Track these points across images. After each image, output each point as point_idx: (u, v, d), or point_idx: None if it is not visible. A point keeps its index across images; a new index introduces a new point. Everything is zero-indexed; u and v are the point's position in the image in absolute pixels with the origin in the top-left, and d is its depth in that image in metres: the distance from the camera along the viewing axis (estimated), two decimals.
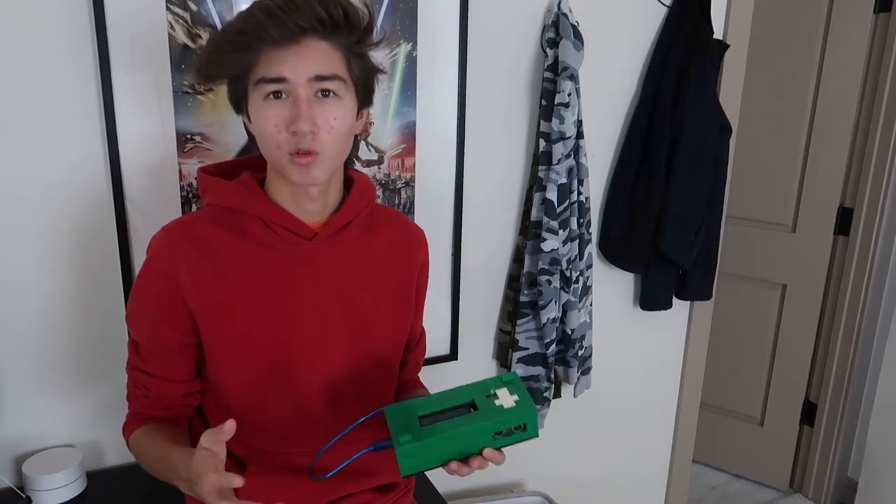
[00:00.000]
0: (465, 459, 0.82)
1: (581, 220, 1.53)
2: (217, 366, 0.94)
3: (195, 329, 0.92)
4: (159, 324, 0.92)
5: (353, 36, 0.85)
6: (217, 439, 0.76)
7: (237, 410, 0.95)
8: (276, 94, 0.83)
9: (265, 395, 0.95)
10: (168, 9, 1.16)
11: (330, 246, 0.95)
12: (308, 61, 0.82)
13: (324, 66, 0.83)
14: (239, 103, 0.89)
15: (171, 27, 1.17)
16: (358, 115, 0.91)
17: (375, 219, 1.02)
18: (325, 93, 0.84)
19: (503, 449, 0.84)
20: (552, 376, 1.58)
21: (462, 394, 0.86)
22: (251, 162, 1.00)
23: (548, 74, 1.45)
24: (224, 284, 0.91)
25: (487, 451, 0.82)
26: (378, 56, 1.31)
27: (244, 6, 1.19)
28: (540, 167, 1.47)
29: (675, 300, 1.76)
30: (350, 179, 0.99)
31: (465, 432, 0.81)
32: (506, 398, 0.84)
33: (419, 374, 1.19)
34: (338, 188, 0.96)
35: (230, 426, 0.76)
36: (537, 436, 0.84)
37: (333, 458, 0.89)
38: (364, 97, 0.91)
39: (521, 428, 0.83)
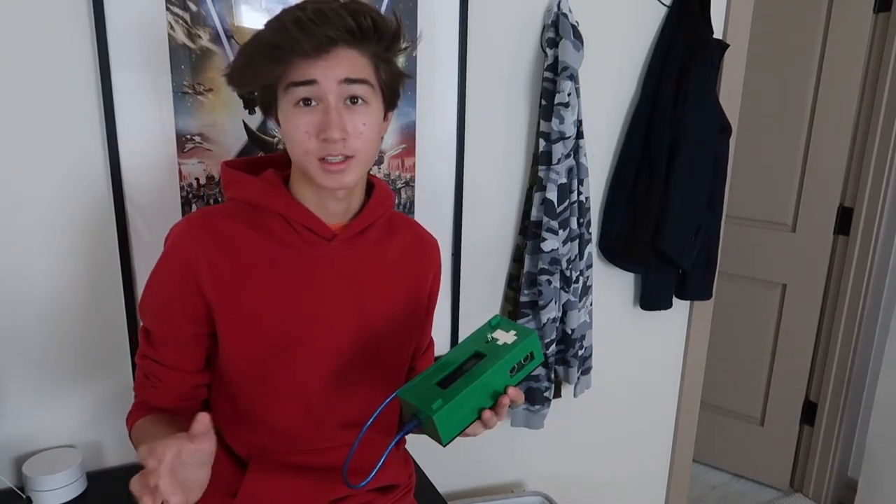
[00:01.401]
0: (492, 406, 0.85)
1: (581, 220, 1.53)
2: (227, 356, 0.94)
3: (210, 319, 0.93)
4: (176, 313, 0.92)
5: (381, 44, 0.87)
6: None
7: (243, 404, 0.96)
8: (307, 102, 0.84)
9: (272, 390, 0.95)
10: (168, 9, 1.16)
11: (347, 248, 0.96)
12: (337, 68, 0.84)
13: (353, 70, 0.85)
14: (269, 108, 0.91)
15: (171, 27, 1.17)
16: (384, 118, 0.93)
17: (393, 226, 1.03)
18: (354, 100, 0.86)
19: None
20: (552, 376, 1.58)
21: (463, 350, 0.88)
22: (276, 159, 1.01)
23: (548, 74, 1.45)
24: (241, 277, 0.91)
25: (511, 390, 0.85)
26: None
27: (244, 7, 1.20)
28: (540, 167, 1.47)
29: (675, 300, 1.76)
30: (370, 185, 1.01)
31: (487, 378, 0.83)
32: (505, 336, 0.87)
33: None
34: (360, 192, 0.98)
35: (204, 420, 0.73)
36: (543, 360, 0.89)
37: (355, 459, 0.89)
38: (390, 101, 0.93)
39: (530, 357, 0.87)
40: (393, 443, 0.83)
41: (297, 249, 0.93)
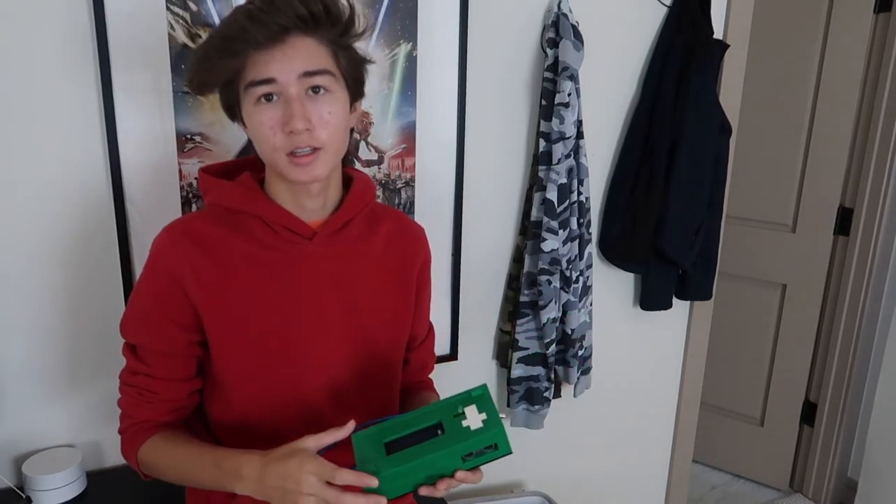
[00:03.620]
0: (434, 483, 0.81)
1: (581, 220, 1.53)
2: (220, 364, 0.94)
3: (200, 327, 0.93)
4: (166, 324, 0.92)
5: (336, 29, 0.86)
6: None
7: (238, 409, 0.96)
8: (268, 97, 0.83)
9: (267, 395, 0.95)
10: (168, 9, 1.16)
11: (330, 245, 0.95)
12: (295, 59, 0.82)
13: (311, 61, 0.84)
14: (232, 110, 0.90)
15: (171, 27, 1.17)
16: (351, 108, 0.92)
17: (376, 217, 1.02)
18: (316, 89, 0.85)
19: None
20: (552, 376, 1.58)
21: (430, 414, 0.83)
22: (252, 162, 1.00)
23: (548, 74, 1.45)
24: (226, 282, 0.91)
25: (459, 474, 0.81)
26: (377, 55, 1.31)
27: None
28: (540, 167, 1.47)
29: (675, 300, 1.76)
30: (349, 178, 1.00)
31: (432, 459, 0.79)
32: (473, 418, 0.82)
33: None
34: (337, 186, 0.97)
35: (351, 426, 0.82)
36: (510, 452, 0.82)
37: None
38: (355, 90, 0.92)
39: (492, 447, 0.81)
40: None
41: (278, 251, 0.93)
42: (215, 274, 0.90)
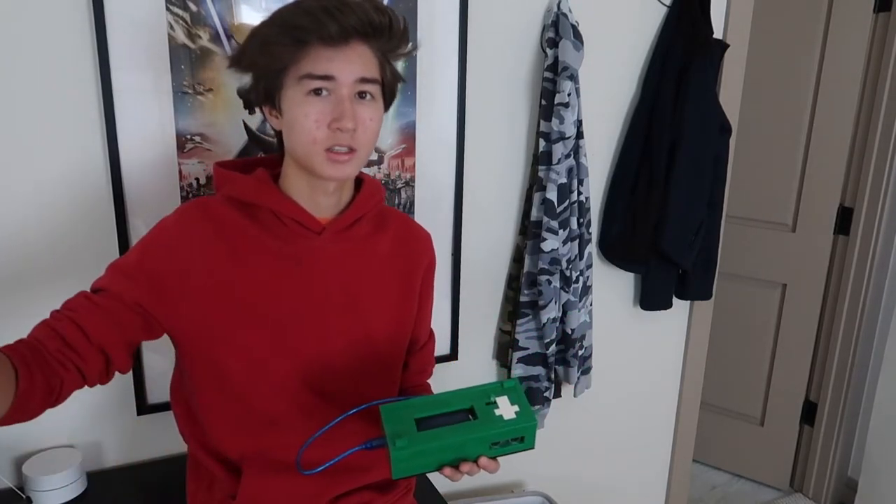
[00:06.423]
0: (457, 465, 0.83)
1: (581, 220, 1.53)
2: (217, 347, 0.93)
3: (153, 320, 0.89)
4: (133, 274, 0.88)
5: (391, 43, 0.89)
6: None
7: (236, 397, 0.95)
8: (317, 92, 0.85)
9: (264, 382, 0.95)
10: (168, 9, 1.16)
11: (337, 241, 0.97)
12: (355, 63, 0.86)
13: (367, 69, 0.87)
14: (270, 96, 0.90)
15: (171, 27, 1.17)
16: None
17: (384, 220, 1.04)
18: (363, 95, 0.88)
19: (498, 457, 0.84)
20: (552, 376, 1.58)
21: (461, 398, 0.85)
22: (265, 160, 1.02)
23: (548, 74, 1.45)
24: (234, 266, 0.91)
25: (483, 460, 0.82)
26: None
27: (244, 7, 1.20)
28: (540, 167, 1.47)
29: (675, 300, 1.76)
30: (359, 181, 1.02)
31: (463, 441, 0.80)
32: (506, 408, 0.83)
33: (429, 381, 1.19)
34: (350, 187, 0.99)
35: None
36: (533, 447, 0.83)
37: (326, 455, 0.89)
38: (388, 102, 0.95)
39: (519, 440, 0.82)
40: (352, 450, 0.83)
41: (287, 243, 0.94)
42: (225, 256, 0.91)
